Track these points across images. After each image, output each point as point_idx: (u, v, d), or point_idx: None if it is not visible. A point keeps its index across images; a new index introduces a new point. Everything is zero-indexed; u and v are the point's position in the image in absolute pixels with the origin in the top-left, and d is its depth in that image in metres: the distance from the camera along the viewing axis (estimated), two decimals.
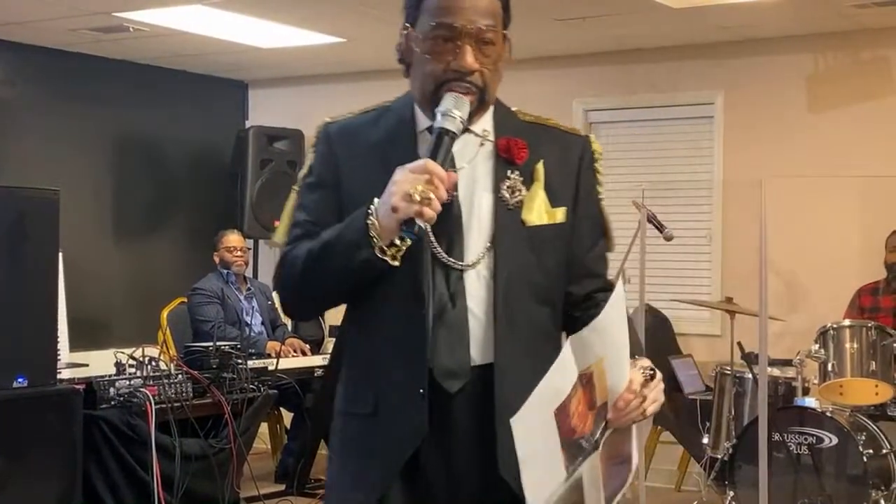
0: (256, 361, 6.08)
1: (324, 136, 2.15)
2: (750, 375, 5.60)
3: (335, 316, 7.32)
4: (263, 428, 7.20)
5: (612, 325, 1.93)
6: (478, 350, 1.99)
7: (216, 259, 7.07)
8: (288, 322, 7.22)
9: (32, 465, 4.67)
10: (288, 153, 8.03)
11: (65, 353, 5.20)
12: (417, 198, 1.83)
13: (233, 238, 7.10)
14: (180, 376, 5.33)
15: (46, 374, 4.76)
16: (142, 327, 7.06)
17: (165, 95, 8.12)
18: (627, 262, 5.75)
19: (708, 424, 5.85)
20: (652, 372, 1.97)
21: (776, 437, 5.23)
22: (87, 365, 5.40)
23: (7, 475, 4.57)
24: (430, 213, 1.84)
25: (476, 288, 2.00)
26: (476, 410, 1.98)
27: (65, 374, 5.06)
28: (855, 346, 5.57)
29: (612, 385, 1.94)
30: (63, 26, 6.71)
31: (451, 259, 2.00)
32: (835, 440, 5.20)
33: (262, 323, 7.03)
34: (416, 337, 1.97)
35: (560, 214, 2.07)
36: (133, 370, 5.20)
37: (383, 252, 1.90)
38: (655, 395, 1.97)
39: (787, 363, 5.72)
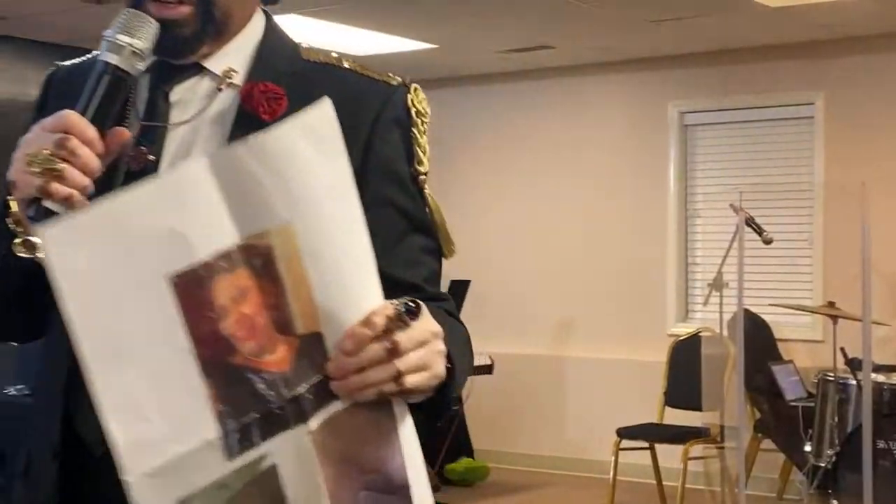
0: None
1: (44, 85, 1.54)
2: (854, 381, 5.46)
3: None
4: None
5: (314, 167, 1.16)
6: None
7: None
8: None
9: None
10: None
11: None
12: (37, 168, 1.21)
13: None
14: None
15: None
16: None
17: None
18: (725, 266, 5.65)
19: (810, 432, 5.72)
20: (412, 307, 1.19)
21: (881, 444, 5.09)
22: None
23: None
24: (62, 190, 1.20)
25: None
26: None
27: None
28: None
29: (327, 302, 1.15)
30: None
31: None
32: None
33: None
34: (57, 373, 1.35)
35: None
36: None
37: (31, 247, 1.22)
38: (422, 354, 1.19)
39: (892, 369, 5.57)
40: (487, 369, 6.99)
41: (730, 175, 7.09)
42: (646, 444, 6.46)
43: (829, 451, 5.45)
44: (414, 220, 1.45)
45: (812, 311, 6.39)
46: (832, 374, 5.62)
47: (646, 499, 6.62)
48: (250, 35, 1.45)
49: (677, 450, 6.20)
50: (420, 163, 1.46)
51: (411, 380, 1.17)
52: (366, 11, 6.21)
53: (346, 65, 1.48)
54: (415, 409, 1.23)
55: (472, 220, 8.01)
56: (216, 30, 1.39)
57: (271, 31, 1.48)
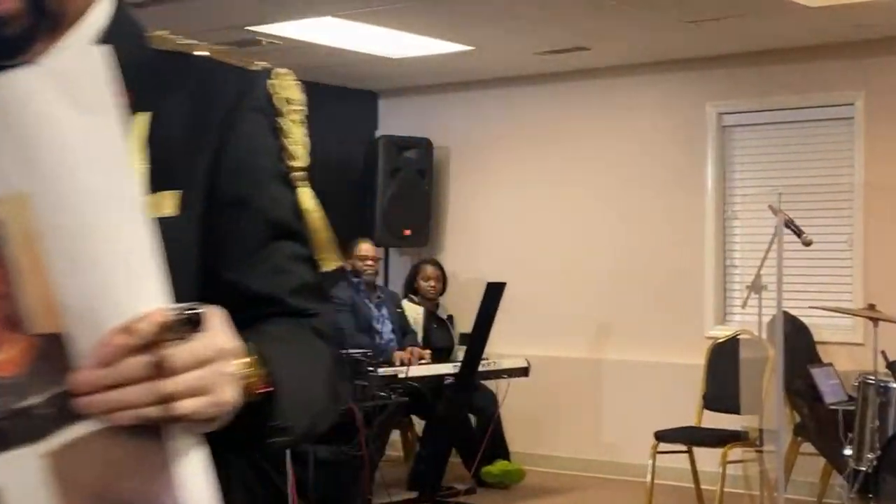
0: (387, 369, 6.11)
1: None
2: (894, 384, 5.41)
3: (465, 323, 7.34)
4: (396, 435, 7.24)
5: (65, 125, 0.95)
6: None
7: (347, 267, 7.14)
8: (418, 330, 7.26)
9: None
10: (417, 162, 8.08)
11: None
12: None
13: (365, 247, 7.18)
14: None
15: None
16: None
17: None
18: (764, 268, 5.61)
19: (850, 435, 5.66)
20: (194, 315, 0.98)
21: None
22: None
23: None
24: None
25: None
26: None
27: None
28: None
29: (76, 298, 0.94)
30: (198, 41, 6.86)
31: None
32: None
33: (392, 331, 7.08)
34: None
35: (168, 203, 1.18)
36: None
37: None
38: (200, 374, 0.97)
39: None
40: (523, 372, 6.97)
41: (769, 176, 7.03)
42: (684, 448, 6.41)
43: (870, 455, 5.39)
44: (279, 224, 1.24)
45: (852, 314, 6.33)
46: (872, 377, 5.57)
47: (683, 502, 6.58)
48: (91, 24, 1.20)
49: (716, 453, 6.15)
50: (292, 157, 1.28)
51: (185, 405, 0.95)
52: (402, 14, 6.21)
53: (199, 52, 1.29)
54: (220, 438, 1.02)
55: (507, 222, 8.00)
56: (50, 24, 1.16)
57: (118, 18, 1.24)
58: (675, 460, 6.44)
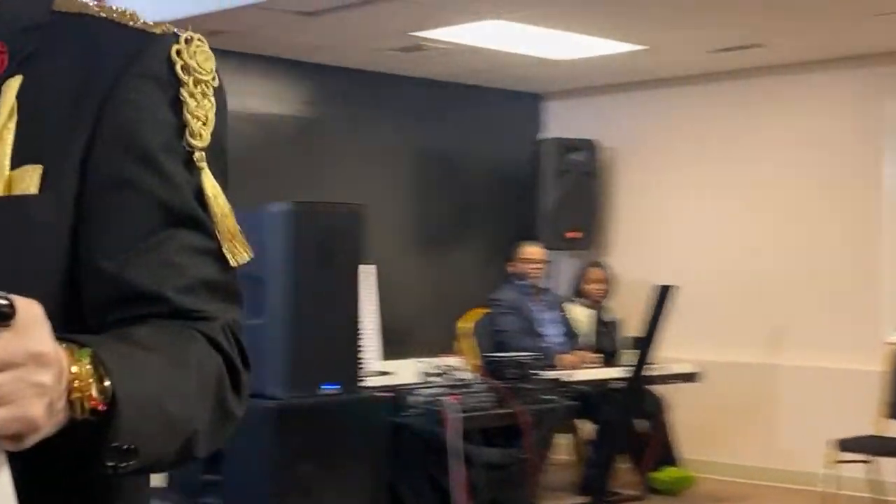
0: (553, 372, 6.08)
1: None
2: None
3: (631, 326, 7.25)
4: (564, 439, 7.20)
5: None
6: None
7: (513, 270, 7.14)
8: (588, 333, 7.20)
9: (339, 469, 4.85)
10: (584, 164, 8.03)
11: (376, 361, 5.39)
12: None
13: (531, 250, 7.17)
14: (481, 385, 5.40)
15: (352, 382, 4.93)
16: (442, 337, 7.22)
17: (461, 110, 8.28)
18: None
19: None
20: (3, 309, 0.81)
21: None
22: (393, 373, 5.57)
23: (316, 479, 4.76)
24: None
25: None
26: None
27: (372, 381, 5.24)
28: None
29: None
30: (364, 47, 6.98)
31: None
32: None
33: (560, 334, 7.04)
34: None
35: (28, 179, 1.03)
36: (436, 379, 5.32)
37: None
38: (3, 381, 0.81)
39: None
40: (692, 377, 6.84)
41: None
42: (865, 457, 6.17)
43: None
44: (172, 210, 1.05)
45: None
46: None
47: None
48: None
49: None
50: (194, 135, 1.08)
51: None
52: (574, 15, 6.17)
53: (101, 14, 1.11)
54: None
55: (678, 223, 7.86)
56: None
57: None
58: (850, 469, 6.20)
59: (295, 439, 4.75)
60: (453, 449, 5.07)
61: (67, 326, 0.94)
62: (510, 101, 8.58)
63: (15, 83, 1.04)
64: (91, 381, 0.88)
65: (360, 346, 4.98)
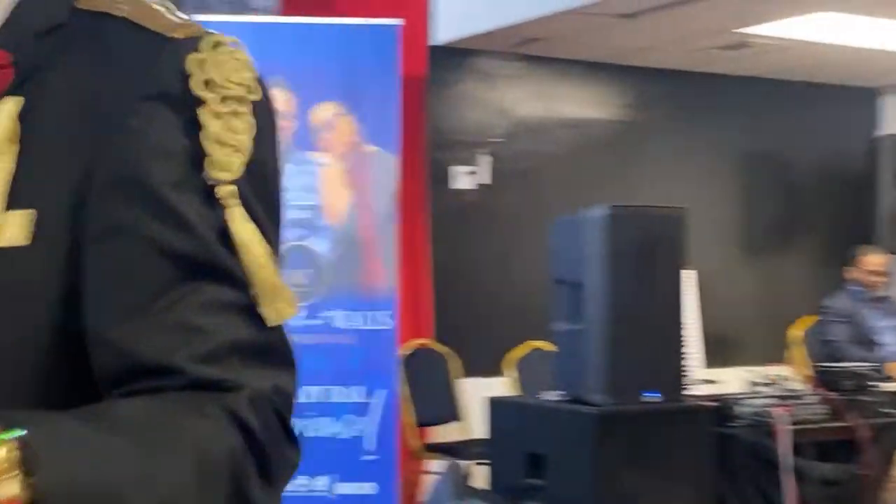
0: (892, 384, 5.73)
1: None
2: None
3: None
4: None
5: None
6: None
7: (851, 277, 6.80)
8: None
9: (664, 479, 4.76)
10: None
11: (699, 369, 5.26)
12: None
13: (874, 259, 6.78)
14: (813, 397, 5.16)
15: (675, 390, 4.83)
16: (770, 345, 6.99)
17: (789, 108, 8.00)
18: None
19: None
20: None
21: None
22: (717, 382, 5.42)
23: (642, 488, 4.69)
24: None
25: None
26: None
27: (696, 390, 5.12)
28: None
29: None
30: (684, 48, 6.85)
31: None
32: None
33: None
34: None
35: (15, 228, 0.86)
36: (764, 389, 5.13)
37: None
38: None
39: None
40: None
41: None
42: None
43: None
44: (188, 259, 0.85)
45: None
46: None
47: None
48: None
49: None
50: (218, 166, 0.85)
51: None
52: None
53: (122, 12, 0.90)
54: None
55: None
56: None
57: None
58: None
59: (617, 447, 4.69)
60: (785, 463, 4.86)
61: (52, 399, 0.82)
62: (842, 96, 8.20)
63: (14, 105, 0.87)
64: (14, 473, 0.70)
65: (683, 354, 4.87)
